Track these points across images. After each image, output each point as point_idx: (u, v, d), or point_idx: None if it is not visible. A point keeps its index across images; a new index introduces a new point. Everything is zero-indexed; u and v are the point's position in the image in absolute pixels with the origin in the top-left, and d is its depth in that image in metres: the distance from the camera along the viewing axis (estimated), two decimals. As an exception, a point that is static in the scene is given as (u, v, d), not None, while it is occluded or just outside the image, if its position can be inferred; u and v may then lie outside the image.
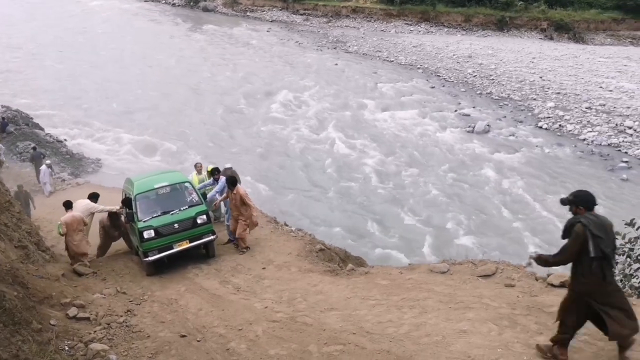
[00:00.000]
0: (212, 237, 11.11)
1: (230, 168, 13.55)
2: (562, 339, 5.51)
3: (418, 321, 7.02)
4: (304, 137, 29.24)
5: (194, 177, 12.99)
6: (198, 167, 13.45)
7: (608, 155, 26.86)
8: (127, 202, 11.26)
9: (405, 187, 23.70)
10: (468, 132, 30.22)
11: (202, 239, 10.97)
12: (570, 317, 5.43)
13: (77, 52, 47.03)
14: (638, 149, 27.23)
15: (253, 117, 32.06)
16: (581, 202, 5.22)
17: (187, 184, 11.43)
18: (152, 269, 10.77)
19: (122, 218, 11.69)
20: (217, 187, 11.79)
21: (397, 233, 19.55)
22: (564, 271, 7.67)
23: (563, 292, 7.04)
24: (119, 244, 12.82)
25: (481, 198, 22.73)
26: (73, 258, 11.06)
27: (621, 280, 9.82)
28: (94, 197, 11.98)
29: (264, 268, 10.49)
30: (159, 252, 10.71)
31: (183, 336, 7.93)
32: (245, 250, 11.34)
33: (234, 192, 11.07)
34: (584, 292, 5.24)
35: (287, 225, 14.09)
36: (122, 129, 29.28)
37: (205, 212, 11.05)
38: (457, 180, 24.48)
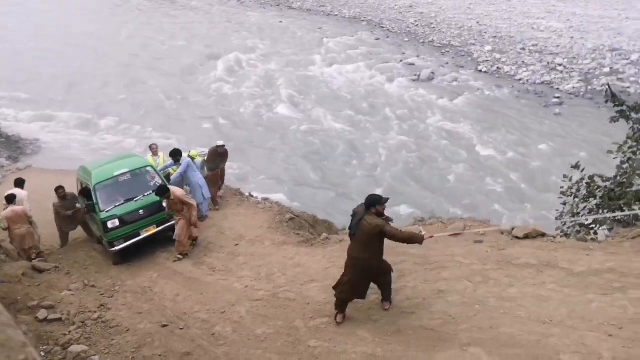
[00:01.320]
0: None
1: (223, 146, 12.71)
2: None
3: (397, 286, 7.20)
4: (255, 98, 28.78)
5: (149, 159, 12.60)
6: (154, 149, 13.01)
7: (542, 92, 28.34)
8: (85, 192, 10.85)
9: (358, 140, 23.89)
10: (414, 80, 30.84)
11: (169, 221, 10.75)
12: None
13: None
14: (568, 85, 28.70)
15: (201, 82, 31.18)
16: None
17: (148, 168, 11.08)
18: (118, 258, 10.52)
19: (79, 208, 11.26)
20: (180, 169, 11.49)
21: (354, 190, 19.77)
22: (527, 224, 8.01)
23: (528, 244, 7.43)
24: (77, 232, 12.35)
25: (432, 146, 23.27)
26: (20, 254, 10.60)
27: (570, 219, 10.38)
28: (20, 184, 11.37)
29: (236, 244, 10.43)
30: (126, 241, 10.46)
31: (164, 326, 7.84)
32: (180, 257, 10.16)
33: (172, 197, 9.89)
34: None
35: (252, 196, 14.00)
36: (58, 106, 27.69)
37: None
38: (409, 129, 24.93)
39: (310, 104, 28.20)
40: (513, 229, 7.82)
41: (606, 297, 5.72)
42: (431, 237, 6.39)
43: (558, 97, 27.86)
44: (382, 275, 6.64)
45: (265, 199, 13.76)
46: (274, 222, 11.33)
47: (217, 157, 12.55)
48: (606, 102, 11.62)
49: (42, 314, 8.16)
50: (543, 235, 7.52)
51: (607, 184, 10.59)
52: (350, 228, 6.43)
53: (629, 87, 27.71)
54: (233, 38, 39.15)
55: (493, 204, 18.57)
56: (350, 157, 22.41)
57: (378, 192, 18.12)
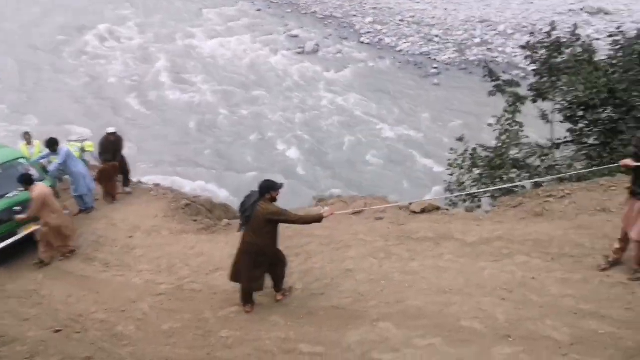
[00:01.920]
0: (64, 212, 10.30)
1: (114, 133, 11.72)
2: None
3: (306, 267, 7.49)
4: (131, 74, 27.45)
5: (22, 148, 11.71)
6: (27, 137, 12.07)
7: (421, 63, 30.20)
8: None
9: (248, 116, 23.86)
10: (299, 53, 31.23)
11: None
12: None
13: None
14: (444, 55, 30.85)
15: (66, 58, 29.06)
16: None
17: (21, 160, 10.29)
18: (-6, 260, 9.72)
19: None
20: (59, 159, 10.78)
21: (247, 167, 19.84)
22: (423, 199, 8.64)
23: (425, 218, 8.04)
24: None
25: (322, 120, 23.86)
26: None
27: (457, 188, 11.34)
28: None
29: (130, 237, 10.06)
30: (1, 241, 9.70)
31: (58, 331, 7.44)
32: (39, 263, 9.30)
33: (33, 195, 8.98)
34: None
35: (142, 183, 13.53)
36: None
37: (51, 188, 10.14)
38: (298, 103, 25.32)
39: (194, 79, 27.56)
40: (410, 204, 8.38)
41: (497, 263, 6.42)
42: (332, 214, 6.67)
43: (436, 68, 29.84)
44: (277, 265, 6.83)
45: (157, 185, 13.37)
46: (169, 209, 11.07)
47: (110, 146, 11.65)
48: (484, 77, 12.71)
49: None
50: (438, 208, 8.16)
51: (488, 153, 11.66)
52: (242, 212, 6.58)
53: (497, 57, 30.17)
54: (103, 7, 36.74)
55: (384, 178, 19.54)
56: (240, 134, 22.35)
57: (270, 175, 18.35)
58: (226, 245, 9.01)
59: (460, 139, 11.92)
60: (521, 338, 5.07)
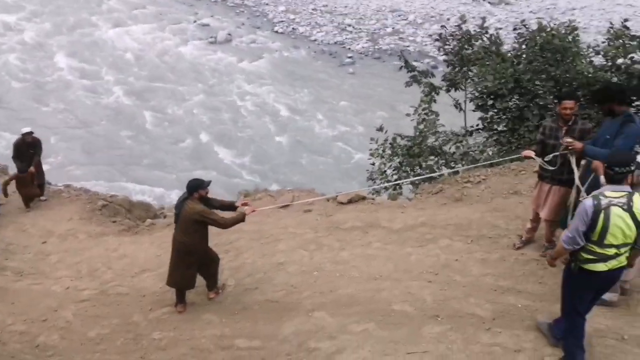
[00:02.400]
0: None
1: (31, 133, 10.87)
2: None
3: (237, 263, 7.62)
4: (25, 69, 25.96)
5: None
6: None
7: (336, 52, 30.87)
8: None
9: (160, 110, 23.37)
10: (211, 43, 30.95)
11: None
12: None
13: None
14: (358, 45, 31.76)
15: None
16: None
17: None
18: None
19: None
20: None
21: (164, 164, 19.51)
22: (350, 190, 9.02)
23: (352, 208, 8.40)
24: None
25: (239, 112, 23.87)
26: None
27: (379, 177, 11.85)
28: None
29: (44, 242, 9.71)
30: None
31: (-28, 349, 7.17)
32: None
33: None
34: None
35: (51, 184, 13.00)
36: None
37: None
38: (210, 95, 25.04)
39: (99, 72, 26.49)
40: (337, 195, 8.70)
41: (422, 248, 6.88)
42: (253, 211, 6.84)
43: (350, 57, 30.64)
44: (208, 264, 6.93)
45: (68, 186, 12.91)
46: (84, 211, 10.78)
47: (26, 148, 10.80)
48: (400, 68, 13.28)
49: None
50: (364, 198, 8.55)
51: (407, 142, 12.24)
52: (175, 207, 6.76)
53: (409, 46, 31.40)
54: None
55: (308, 168, 19.87)
56: (155, 131, 21.85)
57: (189, 171, 18.13)
58: (151, 245, 8.96)
59: (380, 129, 12.41)
60: (448, 317, 5.50)
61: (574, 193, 5.54)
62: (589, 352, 4.57)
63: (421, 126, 11.83)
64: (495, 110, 11.02)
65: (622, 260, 4.10)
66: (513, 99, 10.56)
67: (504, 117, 10.95)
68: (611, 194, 3.95)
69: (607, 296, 4.99)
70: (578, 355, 4.45)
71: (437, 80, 12.79)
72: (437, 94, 12.47)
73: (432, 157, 11.67)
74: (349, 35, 32.82)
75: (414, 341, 5.19)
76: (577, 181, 5.24)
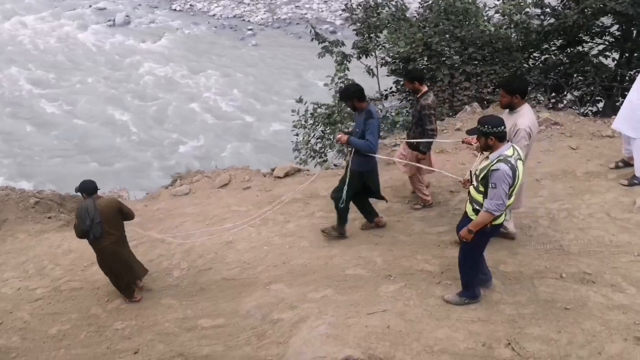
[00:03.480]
0: None
1: None
2: None
3: (186, 247, 7.45)
4: None
5: None
6: None
7: (236, 26, 30.45)
8: None
9: (64, 100, 21.96)
10: (110, 26, 29.57)
11: None
12: None
13: None
14: (257, 16, 31.42)
15: None
16: None
17: None
18: None
19: None
20: None
21: (83, 156, 18.47)
22: (284, 164, 9.00)
23: (289, 181, 8.39)
24: None
25: (146, 95, 22.90)
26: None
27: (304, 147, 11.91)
28: None
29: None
30: None
31: None
32: None
33: None
34: None
35: (-31, 186, 11.94)
36: None
37: None
38: (116, 81, 23.89)
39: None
40: (273, 170, 8.64)
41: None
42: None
43: (251, 29, 30.26)
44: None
45: (-7, 185, 11.92)
46: (17, 210, 10.02)
47: None
48: (312, 40, 13.18)
49: None
50: (299, 170, 8.54)
51: (324, 109, 12.31)
52: (84, 218, 6.18)
53: (306, 14, 31.22)
54: None
55: (231, 146, 19.51)
56: (55, 120, 20.51)
57: (107, 159, 17.22)
58: (95, 237, 8.51)
59: (300, 100, 12.37)
60: (400, 275, 5.72)
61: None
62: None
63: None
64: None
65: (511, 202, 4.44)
66: (423, 62, 10.82)
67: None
68: (508, 152, 4.18)
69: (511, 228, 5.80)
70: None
71: (346, 49, 12.80)
72: (349, 61, 12.52)
73: (352, 123, 11.80)
74: (247, 8, 32.19)
75: (373, 302, 5.37)
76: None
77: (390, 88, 12.49)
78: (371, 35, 12.56)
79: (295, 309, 5.66)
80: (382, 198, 6.51)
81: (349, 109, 11.92)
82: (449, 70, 10.31)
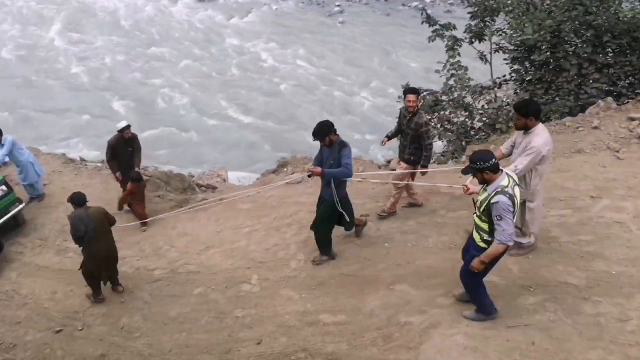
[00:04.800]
0: (20, 206, 9.59)
1: (128, 127, 9.05)
2: None
3: (301, 237, 7.54)
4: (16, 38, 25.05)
5: None
6: None
7: (324, 2, 30.17)
8: None
9: (156, 73, 22.87)
10: (200, 1, 30.12)
11: (9, 212, 9.40)
12: None
13: None
14: None
15: None
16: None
17: (-34, 155, 9.40)
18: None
19: None
20: (4, 149, 9.88)
21: (170, 130, 19.16)
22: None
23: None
24: None
25: (238, 71, 23.32)
26: None
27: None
28: None
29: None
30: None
31: (59, 331, 7.16)
32: None
33: None
34: None
35: (84, 160, 12.76)
36: None
37: (3, 182, 9.38)
38: (210, 56, 24.54)
39: (91, 37, 25.70)
40: (388, 162, 8.52)
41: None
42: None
43: (339, 5, 30.07)
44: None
45: (101, 162, 12.63)
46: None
47: (126, 146, 9.17)
48: (422, 23, 12.79)
49: None
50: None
51: (427, 95, 11.96)
52: (78, 228, 6.86)
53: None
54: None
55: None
56: (147, 95, 21.35)
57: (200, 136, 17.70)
58: (208, 221, 8.81)
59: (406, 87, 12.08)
60: (540, 286, 5.45)
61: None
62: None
63: (451, 81, 11.52)
64: (531, 63, 10.64)
65: None
66: (548, 51, 10.18)
67: (537, 68, 10.58)
68: (504, 182, 4.41)
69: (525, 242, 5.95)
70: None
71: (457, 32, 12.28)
72: (460, 46, 12.05)
73: (463, 112, 11.44)
74: (335, -17, 32.00)
75: (512, 314, 5.16)
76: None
77: (504, 76, 11.93)
78: (485, 19, 12.02)
79: (424, 314, 5.56)
80: (352, 228, 6.98)
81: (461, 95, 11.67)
82: (578, 60, 9.63)
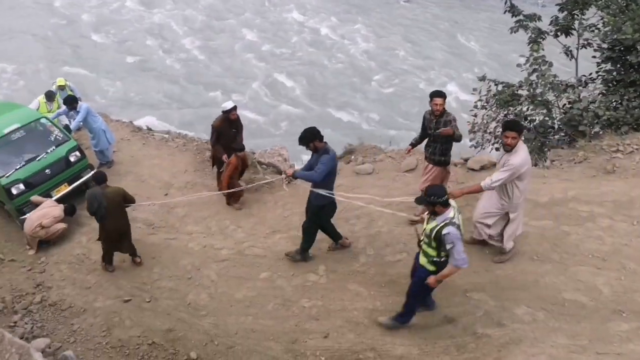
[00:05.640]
0: (92, 172, 9.84)
1: (234, 109, 8.59)
2: None
3: (372, 232, 7.46)
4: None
5: (41, 104, 11.26)
6: (50, 94, 11.45)
7: None
8: None
9: (218, 45, 23.01)
10: None
11: (81, 177, 9.71)
12: None
13: None
14: None
15: None
16: None
17: (43, 120, 9.69)
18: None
19: None
20: (79, 117, 10.16)
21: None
22: (480, 155, 8.54)
23: (484, 175, 7.89)
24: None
25: (295, 43, 23.30)
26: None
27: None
28: None
29: (166, 194, 9.66)
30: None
31: (127, 301, 7.36)
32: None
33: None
34: None
35: (151, 130, 12.97)
36: None
37: (77, 148, 9.66)
38: (266, 31, 24.49)
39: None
40: (466, 160, 8.23)
41: (579, 227, 6.44)
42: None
43: None
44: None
45: (167, 133, 12.85)
46: (195, 162, 10.65)
47: (230, 127, 8.71)
48: (504, 12, 12.24)
49: (-28, 305, 7.28)
50: (495, 165, 8.00)
51: (501, 87, 11.47)
52: (93, 203, 7.39)
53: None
54: None
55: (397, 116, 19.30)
56: (213, 67, 21.61)
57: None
58: (275, 205, 8.82)
59: (483, 79, 11.66)
60: (634, 313, 5.18)
61: None
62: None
63: (533, 77, 10.99)
64: (621, 64, 10.02)
65: None
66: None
67: (633, 70, 9.93)
68: (450, 214, 4.92)
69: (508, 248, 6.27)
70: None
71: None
72: (544, 39, 11.47)
73: (543, 111, 10.92)
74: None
75: (602, 339, 4.93)
76: None
77: (590, 74, 11.30)
78: (574, 12, 11.38)
79: (504, 328, 5.39)
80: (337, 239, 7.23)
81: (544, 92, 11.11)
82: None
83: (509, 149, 5.65)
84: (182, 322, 6.81)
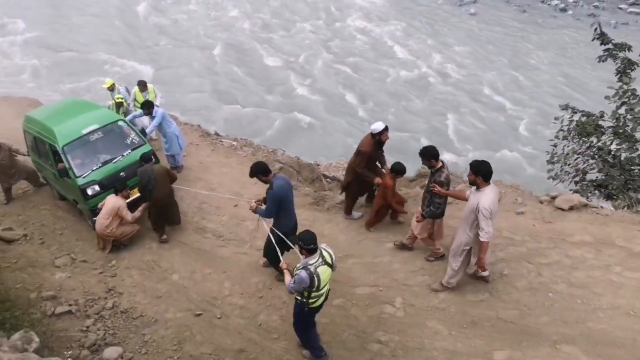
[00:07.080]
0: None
1: (387, 129, 7.95)
2: None
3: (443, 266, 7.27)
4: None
5: (137, 94, 12.13)
6: (142, 84, 12.19)
7: None
8: (40, 148, 9.96)
9: (277, 48, 23.38)
10: None
11: (153, 181, 9.96)
12: None
13: None
14: None
15: None
16: None
17: (120, 123, 9.97)
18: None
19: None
20: (154, 121, 10.45)
21: (294, 107, 19.58)
22: (569, 193, 8.29)
23: (576, 217, 7.65)
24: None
25: (358, 54, 23.37)
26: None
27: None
28: None
29: (235, 205, 9.74)
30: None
31: (198, 314, 7.47)
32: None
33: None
34: None
35: (219, 135, 13.20)
36: None
37: (153, 153, 9.88)
38: (331, 34, 24.70)
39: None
40: (553, 198, 7.99)
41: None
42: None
43: None
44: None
45: (236, 140, 13.05)
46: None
47: (377, 149, 8.16)
48: (593, 40, 11.85)
49: (49, 308, 7.57)
50: (586, 205, 7.76)
51: (582, 117, 11.11)
52: (144, 179, 8.75)
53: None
54: None
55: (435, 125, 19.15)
56: (269, 71, 21.98)
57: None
58: (347, 227, 8.74)
59: (566, 107, 11.37)
60: None
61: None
62: None
63: (621, 110, 10.63)
64: None
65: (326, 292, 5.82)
66: None
67: None
68: (312, 261, 5.43)
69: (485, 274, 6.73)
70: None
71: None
72: (633, 69, 11.06)
73: (631, 147, 10.54)
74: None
75: None
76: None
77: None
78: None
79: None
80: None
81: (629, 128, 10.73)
82: None
83: (471, 184, 6.21)
84: (254, 344, 6.86)
